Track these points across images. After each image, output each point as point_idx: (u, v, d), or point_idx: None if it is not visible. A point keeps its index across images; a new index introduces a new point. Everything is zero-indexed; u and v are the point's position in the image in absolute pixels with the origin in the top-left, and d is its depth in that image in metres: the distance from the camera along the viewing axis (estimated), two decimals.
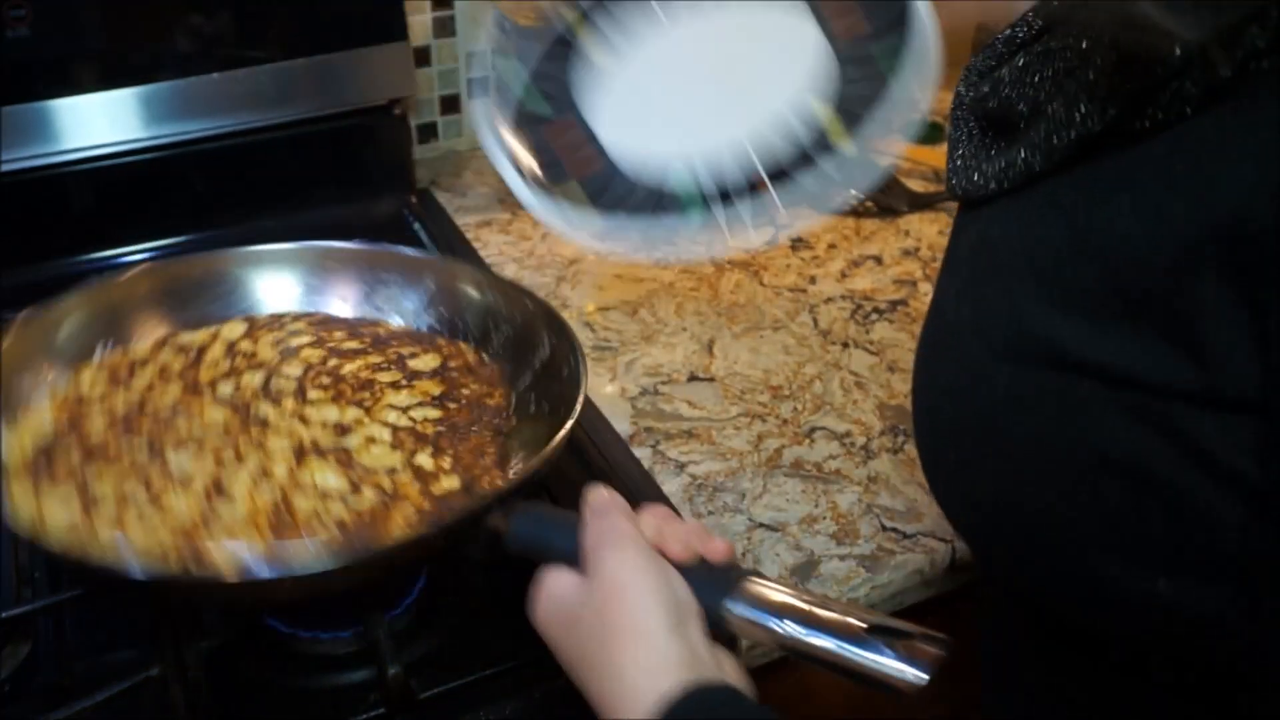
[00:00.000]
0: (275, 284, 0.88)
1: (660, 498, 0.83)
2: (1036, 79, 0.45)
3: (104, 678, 0.65)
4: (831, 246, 1.15)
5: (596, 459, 0.85)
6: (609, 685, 0.51)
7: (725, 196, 0.73)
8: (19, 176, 1.01)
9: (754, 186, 0.72)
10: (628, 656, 0.50)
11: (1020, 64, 0.47)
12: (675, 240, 0.73)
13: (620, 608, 0.52)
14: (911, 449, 0.88)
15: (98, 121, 1.02)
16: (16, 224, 1.03)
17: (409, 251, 0.92)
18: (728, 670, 0.53)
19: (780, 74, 0.77)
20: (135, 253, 1.08)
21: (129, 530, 0.65)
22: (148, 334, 0.83)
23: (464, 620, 0.73)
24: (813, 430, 0.89)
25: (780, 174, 0.72)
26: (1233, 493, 0.39)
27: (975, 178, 0.48)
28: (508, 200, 1.22)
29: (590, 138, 0.78)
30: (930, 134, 1.38)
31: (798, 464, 0.87)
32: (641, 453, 0.87)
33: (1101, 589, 0.43)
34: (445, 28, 1.23)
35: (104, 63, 1.01)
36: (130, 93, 1.02)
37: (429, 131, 1.29)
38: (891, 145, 0.71)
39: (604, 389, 0.94)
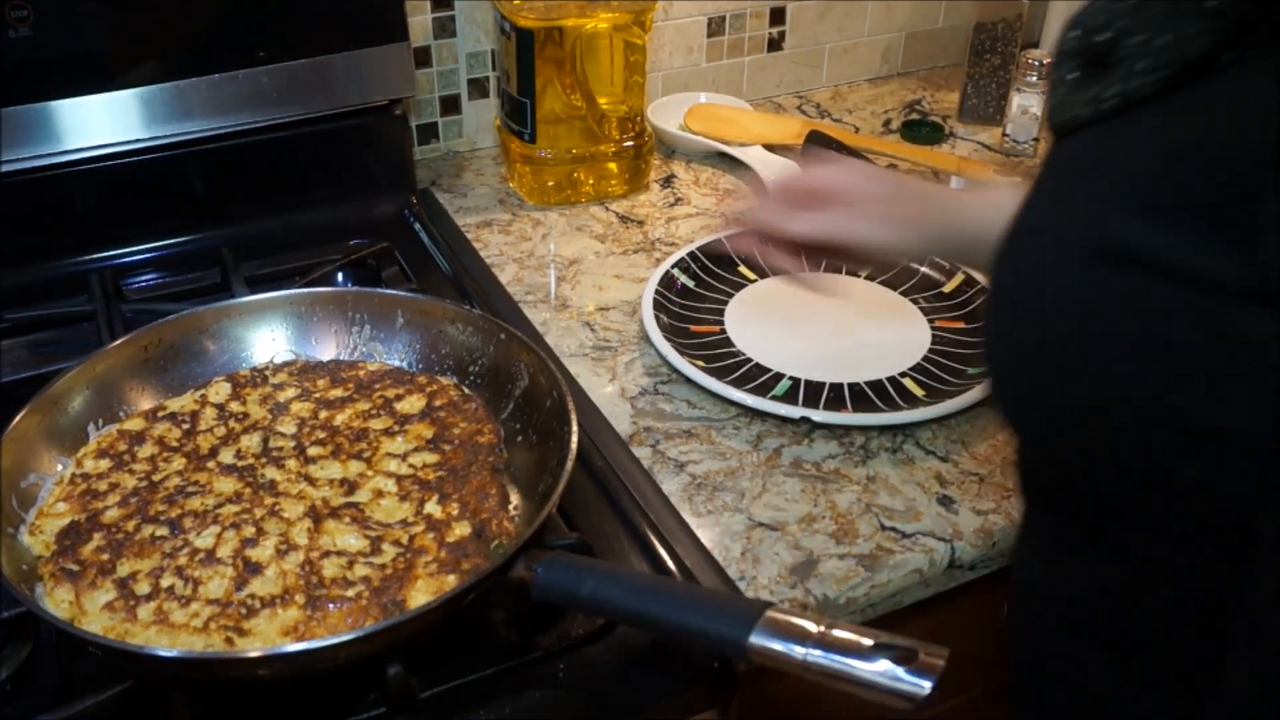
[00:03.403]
0: (249, 336, 0.89)
1: (660, 498, 0.83)
2: (1149, 14, 0.49)
3: (104, 678, 0.65)
4: None
5: (596, 459, 0.85)
6: None
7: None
8: (20, 176, 1.01)
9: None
10: None
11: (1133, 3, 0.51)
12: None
13: None
14: (910, 448, 0.88)
15: (99, 122, 1.02)
16: (17, 224, 1.04)
17: (378, 291, 0.93)
18: None
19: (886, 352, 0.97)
20: (136, 253, 1.08)
21: (171, 619, 0.66)
22: (134, 406, 0.84)
23: (464, 620, 0.73)
24: (812, 430, 0.90)
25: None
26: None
27: (1072, 110, 0.52)
28: (508, 200, 1.23)
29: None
30: (930, 134, 1.38)
31: (797, 464, 0.87)
32: (641, 452, 0.87)
33: (1156, 473, 0.48)
34: (445, 28, 1.23)
35: (105, 63, 1.01)
36: (131, 93, 1.02)
37: (429, 132, 1.29)
38: None
39: (604, 389, 0.94)
